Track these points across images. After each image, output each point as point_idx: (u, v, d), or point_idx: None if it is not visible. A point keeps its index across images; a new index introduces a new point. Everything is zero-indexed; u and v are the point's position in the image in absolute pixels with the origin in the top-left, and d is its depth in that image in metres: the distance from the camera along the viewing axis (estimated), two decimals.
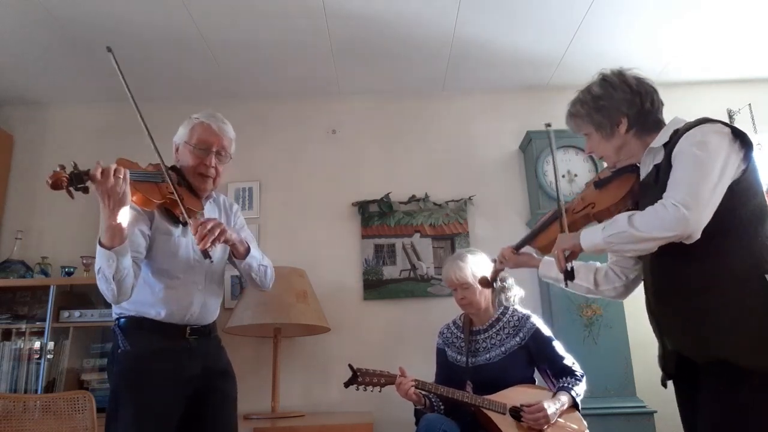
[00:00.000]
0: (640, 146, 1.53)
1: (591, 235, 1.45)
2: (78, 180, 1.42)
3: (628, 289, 1.73)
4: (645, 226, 1.33)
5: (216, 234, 1.64)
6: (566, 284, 1.56)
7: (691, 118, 1.46)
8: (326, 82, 3.36)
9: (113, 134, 3.36)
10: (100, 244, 1.56)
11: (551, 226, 1.70)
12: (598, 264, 1.77)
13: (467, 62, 3.20)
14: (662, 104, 1.57)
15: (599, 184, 1.66)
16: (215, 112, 1.90)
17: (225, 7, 2.65)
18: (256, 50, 3.01)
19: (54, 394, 2.41)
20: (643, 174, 1.54)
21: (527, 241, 1.79)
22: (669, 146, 1.42)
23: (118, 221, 1.53)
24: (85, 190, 1.45)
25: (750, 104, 3.32)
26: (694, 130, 1.37)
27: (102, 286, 1.60)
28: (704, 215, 1.29)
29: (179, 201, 1.67)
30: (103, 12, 2.64)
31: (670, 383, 1.53)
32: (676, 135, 1.42)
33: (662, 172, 1.42)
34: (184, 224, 1.77)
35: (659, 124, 1.53)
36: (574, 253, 1.51)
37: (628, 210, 1.57)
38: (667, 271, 1.43)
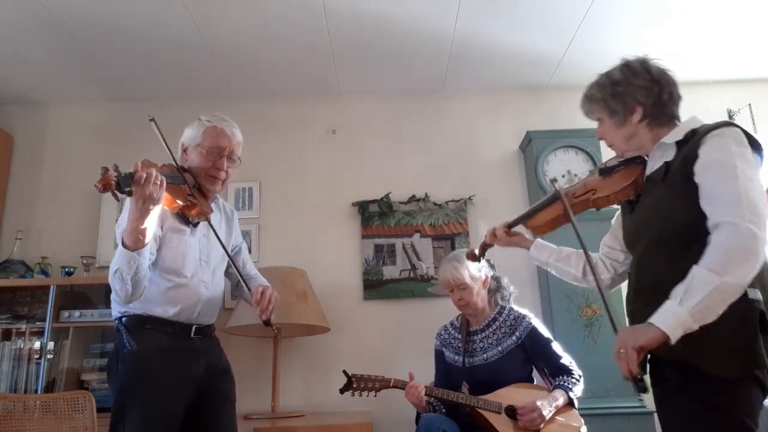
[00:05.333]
0: (650, 138, 1.50)
1: (670, 316, 1.21)
2: (125, 183, 1.44)
3: (614, 282, 1.70)
4: (729, 264, 1.19)
5: (273, 302, 1.80)
6: (639, 396, 1.37)
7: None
8: (326, 82, 3.36)
9: (113, 134, 3.37)
10: (123, 245, 1.57)
11: (549, 207, 1.67)
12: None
13: (467, 62, 3.20)
14: (680, 98, 1.52)
15: (604, 171, 1.61)
16: (224, 116, 1.94)
17: (225, 7, 2.65)
18: (255, 50, 3.01)
19: (54, 394, 2.40)
20: (650, 168, 1.49)
21: (522, 220, 1.75)
22: (684, 146, 1.39)
23: (146, 224, 1.55)
24: (130, 194, 1.48)
25: (750, 104, 3.33)
26: (723, 139, 1.32)
27: (116, 286, 1.61)
28: (766, 229, 1.22)
29: (198, 203, 1.73)
30: (103, 12, 2.64)
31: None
32: (693, 135, 1.38)
33: (673, 170, 1.38)
34: (195, 225, 1.82)
35: (673, 119, 1.50)
36: (643, 350, 1.24)
37: (629, 200, 1.54)
38: (651, 270, 1.40)
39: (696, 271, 1.23)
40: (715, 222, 1.27)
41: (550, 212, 1.64)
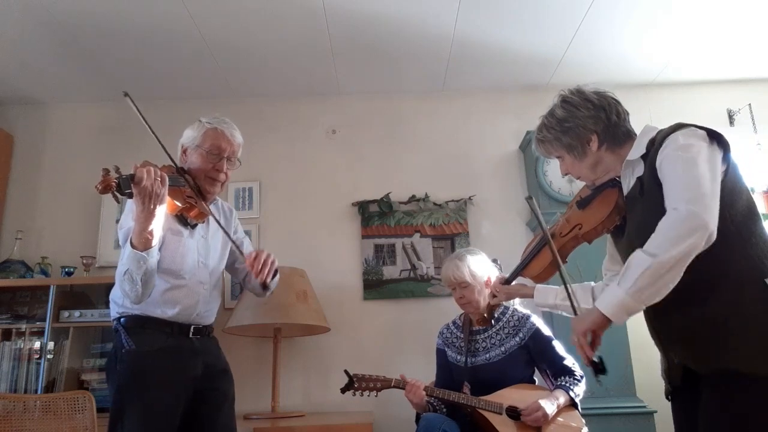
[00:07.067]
0: (615, 160, 1.51)
1: (609, 298, 1.26)
2: (126, 185, 1.45)
3: None
4: (664, 245, 1.20)
5: (270, 265, 1.78)
6: (598, 379, 1.33)
7: (692, 118, 1.45)
8: (326, 82, 3.36)
9: (113, 134, 3.37)
10: (132, 246, 1.57)
11: (541, 253, 1.65)
12: (593, 283, 1.73)
13: (467, 62, 3.20)
14: (628, 114, 1.54)
15: (582, 203, 1.61)
16: (224, 117, 1.94)
17: (225, 7, 2.64)
18: (255, 50, 3.01)
19: (54, 394, 2.41)
20: (625, 188, 1.50)
21: (518, 272, 1.72)
22: (648, 157, 1.40)
23: (153, 225, 1.55)
24: (130, 195, 1.48)
25: (750, 104, 3.33)
26: (672, 136, 1.35)
27: (126, 287, 1.62)
28: (713, 207, 1.23)
29: (197, 205, 1.73)
30: (103, 12, 2.64)
31: None
32: (653, 145, 1.39)
33: (647, 183, 1.39)
34: (193, 227, 1.83)
35: (630, 135, 1.52)
36: (598, 334, 1.31)
37: (617, 226, 1.54)
38: None
39: (634, 254, 1.25)
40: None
41: (544, 258, 1.62)
